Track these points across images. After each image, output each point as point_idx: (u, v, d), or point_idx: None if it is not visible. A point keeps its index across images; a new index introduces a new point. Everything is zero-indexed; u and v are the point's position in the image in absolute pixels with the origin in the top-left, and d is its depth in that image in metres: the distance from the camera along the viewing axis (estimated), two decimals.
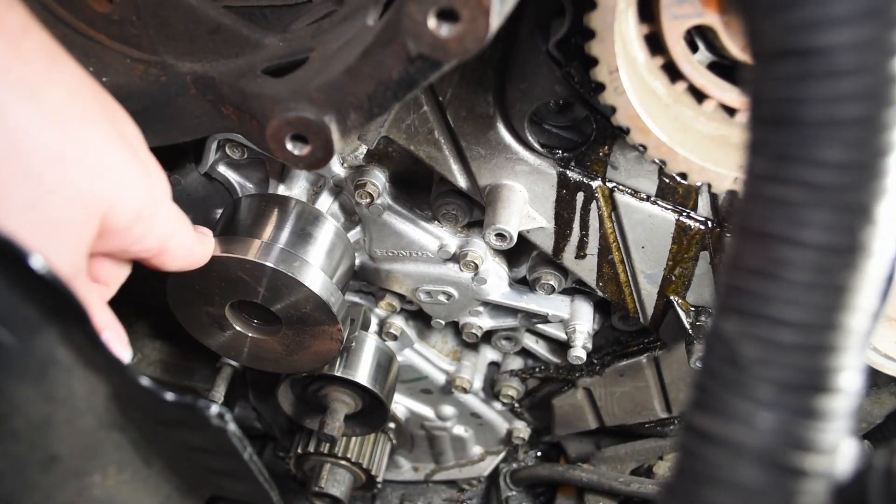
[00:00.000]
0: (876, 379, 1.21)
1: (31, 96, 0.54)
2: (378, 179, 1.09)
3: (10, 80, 0.53)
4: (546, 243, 1.10)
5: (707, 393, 0.45)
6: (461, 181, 1.04)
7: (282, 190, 1.14)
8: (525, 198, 1.04)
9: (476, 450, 1.67)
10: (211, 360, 1.44)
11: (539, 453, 1.72)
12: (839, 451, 0.43)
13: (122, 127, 0.64)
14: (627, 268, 1.10)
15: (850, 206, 0.40)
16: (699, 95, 0.82)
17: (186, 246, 0.78)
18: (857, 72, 0.38)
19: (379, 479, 1.50)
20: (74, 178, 0.57)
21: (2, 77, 0.52)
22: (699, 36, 0.82)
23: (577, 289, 1.24)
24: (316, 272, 1.01)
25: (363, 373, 1.27)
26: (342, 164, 1.10)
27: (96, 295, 0.72)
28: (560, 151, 1.00)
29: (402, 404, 1.54)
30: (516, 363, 1.46)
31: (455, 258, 1.17)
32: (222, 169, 1.14)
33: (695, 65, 0.79)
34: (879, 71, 0.38)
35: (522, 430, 1.57)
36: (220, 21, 0.83)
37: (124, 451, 0.68)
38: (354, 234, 1.19)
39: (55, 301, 0.52)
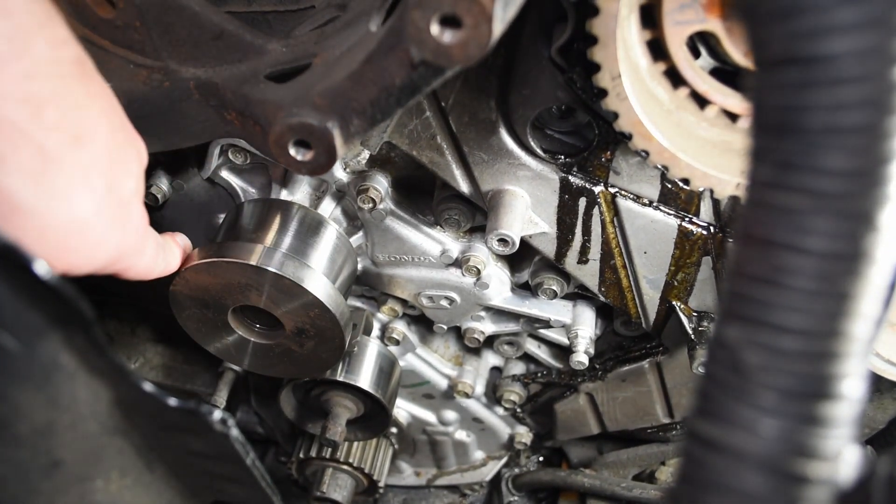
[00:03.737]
0: (879, 384, 1.20)
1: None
2: (380, 184, 1.09)
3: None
4: (548, 248, 1.10)
5: (710, 399, 0.45)
6: (463, 186, 1.05)
7: (284, 195, 1.14)
8: (527, 203, 1.04)
9: (478, 455, 1.66)
10: (213, 365, 1.44)
11: (541, 458, 1.72)
12: (842, 457, 0.43)
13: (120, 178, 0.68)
14: (630, 273, 1.10)
15: (853, 214, 0.40)
16: (701, 101, 0.82)
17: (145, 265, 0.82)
18: (860, 80, 0.38)
19: (381, 484, 1.50)
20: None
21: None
22: (701, 42, 0.82)
23: (579, 294, 1.24)
24: (318, 277, 1.01)
25: (365, 378, 1.27)
26: (345, 169, 1.11)
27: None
28: (562, 157, 1.00)
29: (404, 409, 1.54)
30: (518, 368, 1.46)
31: (457, 263, 1.17)
32: (225, 174, 1.15)
33: (697, 70, 0.79)
34: (882, 79, 0.38)
35: (524, 434, 1.57)
36: (223, 27, 0.83)
37: (127, 457, 0.68)
38: (357, 239, 1.19)
39: (59, 307, 0.52)
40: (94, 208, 0.63)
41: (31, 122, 0.56)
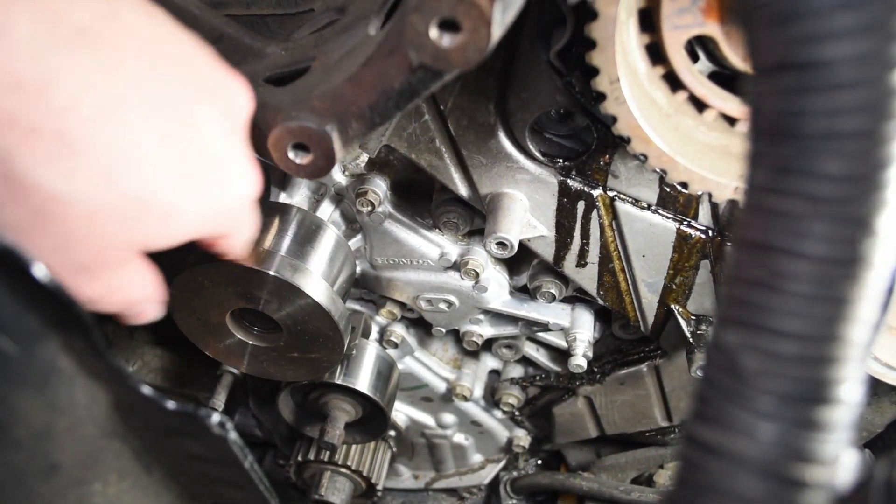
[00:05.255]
0: (876, 388, 1.20)
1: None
2: (379, 187, 1.09)
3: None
4: (547, 252, 1.10)
5: (708, 404, 0.45)
6: (462, 190, 1.05)
7: (283, 198, 1.14)
8: (526, 206, 1.04)
9: (476, 458, 1.66)
10: (211, 368, 1.43)
11: (539, 461, 1.72)
12: (840, 461, 0.43)
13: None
14: (628, 276, 1.10)
15: (851, 218, 0.40)
16: (700, 105, 0.82)
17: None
18: (857, 85, 0.39)
19: (379, 487, 1.50)
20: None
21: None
22: (700, 46, 0.82)
23: (577, 297, 1.24)
24: (317, 280, 1.01)
25: (364, 381, 1.26)
26: (343, 173, 1.11)
27: None
28: (561, 160, 1.00)
29: (402, 412, 1.54)
30: (517, 371, 1.46)
31: (456, 266, 1.17)
32: None
33: (695, 74, 0.80)
34: (879, 84, 0.38)
35: (523, 438, 1.57)
36: (222, 30, 0.84)
37: (125, 460, 0.68)
38: (355, 242, 1.19)
39: (57, 310, 0.52)
40: (151, 181, 0.56)
41: (36, 109, 0.49)
